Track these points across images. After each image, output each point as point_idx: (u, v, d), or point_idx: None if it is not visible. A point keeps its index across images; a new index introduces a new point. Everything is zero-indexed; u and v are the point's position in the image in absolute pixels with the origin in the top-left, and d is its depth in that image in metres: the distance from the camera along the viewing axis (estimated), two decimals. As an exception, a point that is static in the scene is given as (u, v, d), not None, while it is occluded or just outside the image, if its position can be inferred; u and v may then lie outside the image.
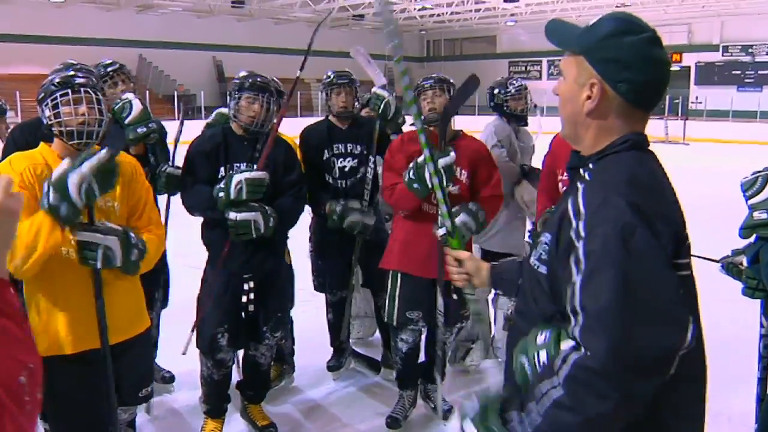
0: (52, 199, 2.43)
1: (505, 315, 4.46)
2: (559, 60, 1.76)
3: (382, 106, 4.42)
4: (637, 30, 1.61)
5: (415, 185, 3.55)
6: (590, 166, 1.64)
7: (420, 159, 3.53)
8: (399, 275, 3.85)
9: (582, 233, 1.49)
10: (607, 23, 1.63)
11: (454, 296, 3.78)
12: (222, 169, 3.58)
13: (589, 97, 1.61)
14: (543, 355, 1.57)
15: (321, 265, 4.59)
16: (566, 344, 1.53)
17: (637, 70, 1.59)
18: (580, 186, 1.58)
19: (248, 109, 3.57)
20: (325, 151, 4.35)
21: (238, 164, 3.58)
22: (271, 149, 3.53)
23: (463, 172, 3.77)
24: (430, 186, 3.42)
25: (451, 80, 3.97)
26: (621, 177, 1.55)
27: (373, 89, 4.47)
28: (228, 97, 3.70)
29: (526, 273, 1.74)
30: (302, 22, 32.78)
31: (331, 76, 4.46)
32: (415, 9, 31.78)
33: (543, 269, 1.63)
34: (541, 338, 1.59)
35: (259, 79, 3.63)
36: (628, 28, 1.60)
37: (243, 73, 3.73)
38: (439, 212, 2.48)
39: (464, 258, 2.22)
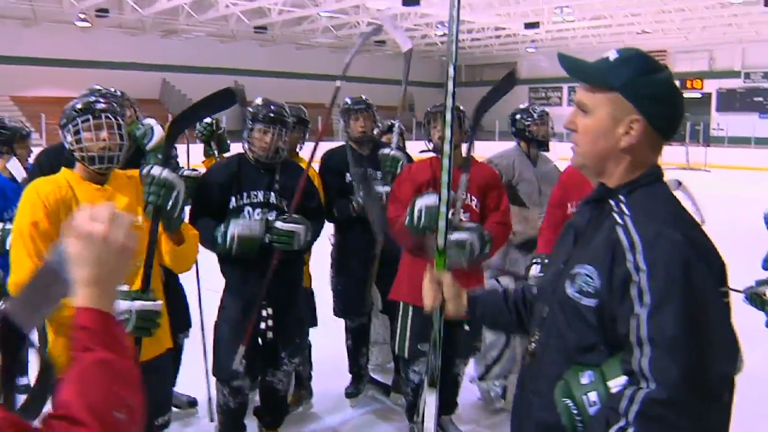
0: None
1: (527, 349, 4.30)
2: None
3: (398, 168, 4.24)
4: (661, 66, 1.67)
5: (407, 223, 3.55)
6: (621, 197, 1.66)
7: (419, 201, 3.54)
8: (410, 307, 3.80)
9: (642, 266, 1.52)
10: (637, 60, 1.67)
11: (466, 327, 3.72)
12: (233, 199, 3.57)
13: (627, 133, 1.64)
14: (593, 396, 1.57)
15: (341, 291, 4.58)
16: (618, 381, 1.55)
17: (671, 106, 1.66)
18: (621, 219, 1.62)
19: (260, 140, 3.57)
20: (347, 175, 4.37)
21: (255, 192, 3.58)
22: (302, 191, 3.55)
23: (473, 198, 3.75)
24: (418, 226, 3.49)
25: (461, 107, 3.90)
26: (668, 210, 1.62)
27: (386, 151, 4.31)
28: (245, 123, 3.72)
29: (558, 306, 1.72)
30: (324, 47, 33.06)
31: (349, 103, 4.50)
32: (435, 35, 31.97)
33: (588, 302, 1.62)
34: (585, 379, 1.60)
35: (273, 109, 3.62)
36: (655, 65, 1.66)
37: (258, 102, 3.73)
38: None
39: (445, 281, 2.13)
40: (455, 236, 3.45)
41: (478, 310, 2.13)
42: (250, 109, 3.68)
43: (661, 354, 1.47)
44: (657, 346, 1.47)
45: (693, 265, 1.50)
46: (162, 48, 30.31)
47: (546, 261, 3.56)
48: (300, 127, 4.41)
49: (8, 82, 26.41)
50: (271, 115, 3.59)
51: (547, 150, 4.82)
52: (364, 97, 4.56)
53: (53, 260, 1.17)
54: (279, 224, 3.46)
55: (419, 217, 3.48)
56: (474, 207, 3.76)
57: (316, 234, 3.73)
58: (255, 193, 3.58)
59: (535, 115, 4.70)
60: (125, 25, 28.75)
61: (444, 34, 32.68)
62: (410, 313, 3.80)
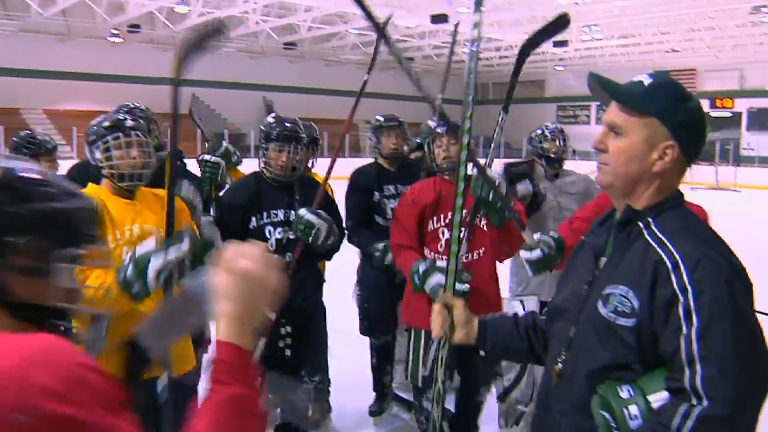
0: (129, 274, 2.47)
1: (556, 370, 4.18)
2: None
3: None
4: (690, 93, 1.72)
5: (416, 279, 3.36)
6: (650, 220, 1.70)
7: (425, 267, 3.33)
8: (422, 332, 3.62)
9: (688, 287, 1.55)
10: (672, 87, 1.72)
11: (482, 352, 3.60)
12: (254, 219, 3.55)
13: (661, 158, 1.67)
14: (634, 410, 1.59)
15: (368, 309, 4.57)
16: (659, 396, 1.58)
17: (701, 133, 1.71)
18: (656, 241, 1.65)
19: (276, 159, 3.56)
20: (376, 192, 4.38)
21: (275, 211, 3.56)
22: (320, 200, 3.51)
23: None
24: (420, 286, 3.34)
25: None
26: (704, 232, 1.68)
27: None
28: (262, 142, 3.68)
29: (591, 326, 1.72)
30: (352, 64, 33.23)
31: (381, 120, 4.52)
32: (463, 52, 32.07)
33: (625, 321, 1.64)
34: (624, 393, 1.62)
35: (288, 126, 3.60)
36: (687, 92, 1.71)
37: (270, 120, 3.70)
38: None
39: (456, 306, 2.11)
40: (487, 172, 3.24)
41: (489, 336, 2.11)
42: (263, 128, 3.65)
43: (715, 372, 1.50)
44: (710, 365, 1.51)
45: (735, 285, 1.55)
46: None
47: (553, 235, 3.37)
48: (311, 145, 4.47)
49: (41, 96, 26.87)
50: (285, 133, 3.57)
51: (560, 167, 4.74)
52: (395, 114, 4.59)
53: (193, 290, 1.20)
54: (303, 211, 3.41)
55: (428, 291, 3.32)
56: (484, 227, 3.59)
57: (335, 244, 3.65)
58: (275, 212, 3.57)
59: (547, 132, 4.67)
60: (156, 41, 29.12)
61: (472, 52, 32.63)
62: (422, 339, 3.63)
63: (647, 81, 1.70)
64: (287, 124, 3.62)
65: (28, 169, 1.27)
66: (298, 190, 3.64)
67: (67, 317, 1.29)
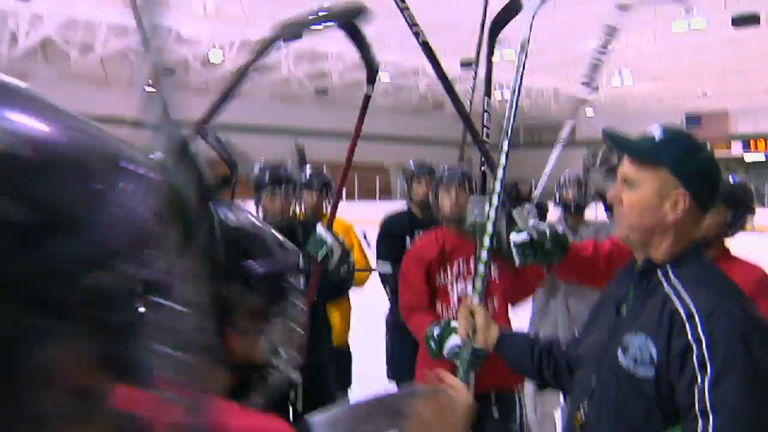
0: None
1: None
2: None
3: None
4: (703, 144, 1.77)
5: (432, 344, 3.05)
6: (669, 270, 1.71)
7: (440, 330, 3.02)
8: None
9: (702, 337, 1.56)
10: (682, 138, 1.78)
11: (495, 410, 3.40)
12: None
13: (673, 208, 1.70)
14: None
15: (396, 356, 4.47)
16: None
17: (714, 182, 1.75)
18: (674, 291, 1.66)
19: (272, 204, 3.52)
20: (407, 238, 4.37)
21: None
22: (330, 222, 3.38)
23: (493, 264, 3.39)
24: (437, 351, 3.03)
25: (467, 171, 3.66)
26: (721, 283, 1.70)
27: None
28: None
29: (613, 375, 1.73)
30: (383, 110, 33.58)
31: (412, 167, 4.55)
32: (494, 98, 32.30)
33: (645, 372, 1.65)
34: None
35: (274, 170, 3.57)
36: (699, 143, 1.77)
37: (256, 170, 3.64)
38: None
39: (478, 312, 2.23)
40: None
41: (506, 347, 2.20)
42: (252, 181, 3.60)
43: (725, 423, 1.50)
44: (720, 415, 1.50)
45: (751, 336, 1.55)
46: (226, 108, 31.14)
47: (557, 227, 3.09)
48: (325, 188, 4.59)
49: (79, 142, 27.43)
50: (273, 176, 3.54)
51: (581, 216, 4.58)
52: (427, 160, 4.62)
53: (388, 400, 1.25)
54: (320, 227, 3.29)
55: (446, 355, 3.00)
56: (495, 279, 3.38)
57: (346, 278, 3.50)
58: None
59: (562, 180, 4.57)
60: (191, 87, 29.71)
61: (501, 99, 32.85)
62: None
63: (658, 134, 1.75)
64: (273, 168, 3.60)
65: (245, 221, 1.22)
66: (303, 236, 3.44)
67: (269, 371, 1.25)
